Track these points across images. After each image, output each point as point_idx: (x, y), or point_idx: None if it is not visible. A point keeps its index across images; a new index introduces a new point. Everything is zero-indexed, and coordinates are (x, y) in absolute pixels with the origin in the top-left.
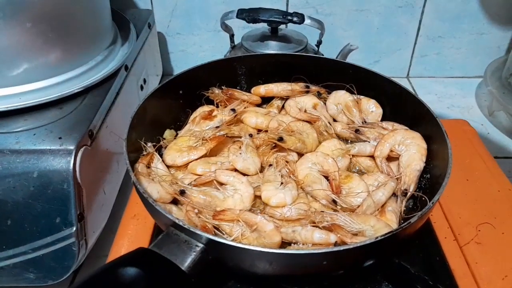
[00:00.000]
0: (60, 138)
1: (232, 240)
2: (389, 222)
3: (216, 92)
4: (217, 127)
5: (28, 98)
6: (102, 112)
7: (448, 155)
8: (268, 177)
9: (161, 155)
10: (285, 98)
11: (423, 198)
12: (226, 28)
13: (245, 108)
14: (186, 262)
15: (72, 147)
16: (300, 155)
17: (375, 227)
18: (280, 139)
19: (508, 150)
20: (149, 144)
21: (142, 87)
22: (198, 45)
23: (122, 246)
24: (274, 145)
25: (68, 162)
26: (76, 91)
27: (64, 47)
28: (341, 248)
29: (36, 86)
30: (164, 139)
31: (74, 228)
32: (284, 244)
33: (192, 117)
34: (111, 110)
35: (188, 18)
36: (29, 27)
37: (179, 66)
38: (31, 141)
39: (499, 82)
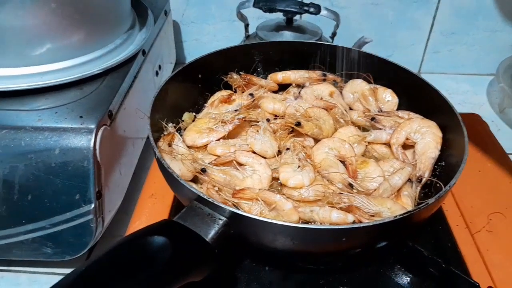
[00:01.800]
0: (81, 117)
1: None
2: (405, 205)
3: (234, 77)
4: (235, 110)
5: (49, 77)
6: (121, 94)
7: (464, 143)
8: (286, 160)
9: (180, 136)
10: (301, 86)
11: (438, 185)
12: (242, 17)
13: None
14: (210, 234)
15: (93, 126)
16: (317, 141)
17: (391, 209)
18: (298, 123)
19: None
20: (170, 124)
21: (157, 73)
22: (212, 35)
23: (140, 224)
24: (291, 130)
25: (89, 140)
26: (96, 72)
27: (86, 29)
28: (362, 225)
29: (57, 66)
30: (183, 121)
31: (93, 205)
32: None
33: (210, 101)
34: (129, 93)
35: (203, 7)
36: (54, 7)
37: (192, 55)
38: (53, 119)
39: (511, 79)
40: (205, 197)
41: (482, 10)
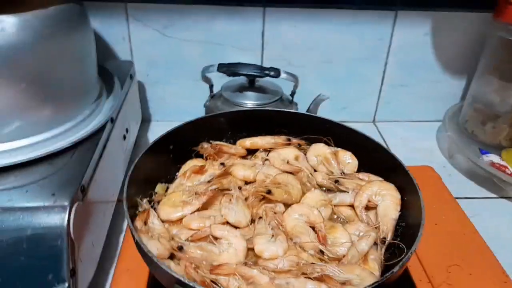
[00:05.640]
0: (53, 194)
1: None
2: (372, 270)
3: (205, 147)
4: (209, 181)
5: (18, 154)
6: (92, 166)
7: (421, 207)
8: (259, 230)
9: (154, 209)
10: (268, 150)
11: (400, 246)
12: (206, 79)
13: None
14: None
15: (66, 203)
16: (287, 205)
17: (360, 276)
18: (269, 192)
19: (467, 190)
20: (145, 200)
21: (125, 137)
22: (176, 93)
23: None
24: (262, 197)
25: (63, 218)
26: (66, 146)
27: (54, 104)
28: None
29: (26, 142)
30: (156, 193)
31: (67, 284)
32: None
33: (182, 171)
34: (99, 164)
35: (168, 67)
36: (24, 87)
37: (158, 113)
38: (24, 198)
39: (457, 127)
40: (186, 281)
41: (424, 64)
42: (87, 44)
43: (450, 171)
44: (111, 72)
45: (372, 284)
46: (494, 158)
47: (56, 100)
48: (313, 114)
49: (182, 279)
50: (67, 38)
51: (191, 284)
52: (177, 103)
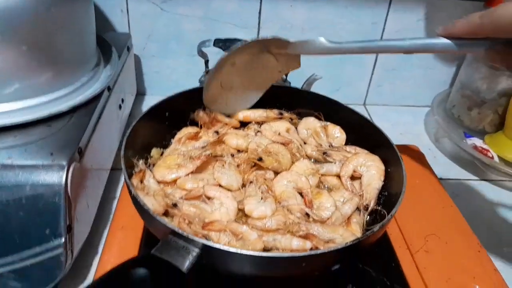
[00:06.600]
0: (51, 154)
1: None
2: (354, 232)
3: (201, 115)
4: (203, 147)
5: (18, 115)
6: (89, 130)
7: (403, 177)
8: (250, 193)
9: (149, 171)
10: (261, 123)
11: (382, 212)
12: (202, 54)
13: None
14: (185, 265)
15: (64, 163)
16: (276, 173)
17: (343, 235)
18: (260, 159)
19: (451, 172)
20: (141, 161)
21: (120, 107)
22: (172, 68)
23: (111, 256)
24: (253, 164)
25: (61, 176)
26: (64, 110)
27: (54, 69)
28: (318, 252)
29: (25, 104)
30: (152, 157)
31: (63, 239)
32: (265, 251)
33: (177, 137)
34: (96, 129)
35: (164, 42)
36: (25, 50)
37: (152, 87)
38: (23, 156)
39: (444, 112)
40: (180, 231)
41: None
42: (86, 11)
43: (435, 154)
44: (109, 44)
45: (353, 240)
46: (477, 141)
47: (55, 64)
48: (306, 90)
49: (176, 229)
50: (67, 4)
51: (184, 234)
52: (172, 77)
